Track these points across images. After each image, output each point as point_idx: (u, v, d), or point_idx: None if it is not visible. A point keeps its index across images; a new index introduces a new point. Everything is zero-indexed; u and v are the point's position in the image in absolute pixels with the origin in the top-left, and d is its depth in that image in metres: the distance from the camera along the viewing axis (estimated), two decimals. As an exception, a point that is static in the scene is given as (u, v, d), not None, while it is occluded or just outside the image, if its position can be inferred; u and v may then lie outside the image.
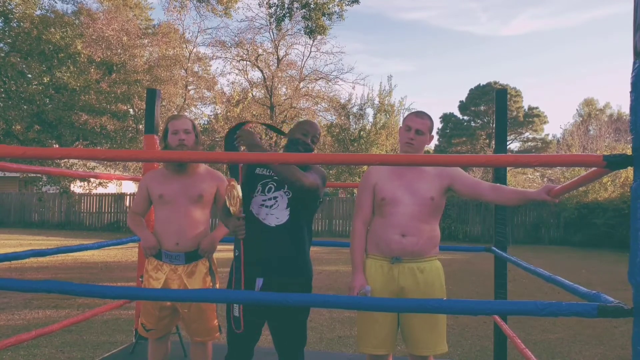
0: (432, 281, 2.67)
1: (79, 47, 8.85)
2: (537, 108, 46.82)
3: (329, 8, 11.66)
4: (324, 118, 27.03)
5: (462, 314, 1.77)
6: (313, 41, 15.71)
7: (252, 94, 26.00)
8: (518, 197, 2.53)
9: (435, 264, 2.73)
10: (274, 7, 11.94)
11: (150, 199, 3.16)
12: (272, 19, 12.41)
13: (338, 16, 11.83)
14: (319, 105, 26.95)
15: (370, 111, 26.61)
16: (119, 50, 19.45)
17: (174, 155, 2.62)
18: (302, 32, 13.18)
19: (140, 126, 17.21)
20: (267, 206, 2.75)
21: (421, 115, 2.77)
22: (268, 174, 2.81)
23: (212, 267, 3.17)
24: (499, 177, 3.78)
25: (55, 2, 8.01)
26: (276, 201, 2.75)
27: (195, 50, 24.23)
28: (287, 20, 12.21)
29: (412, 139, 2.71)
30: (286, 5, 11.81)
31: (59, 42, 8.41)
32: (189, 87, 23.91)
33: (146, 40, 21.33)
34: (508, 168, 6.70)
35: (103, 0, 23.55)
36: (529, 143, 47.10)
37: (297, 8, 11.94)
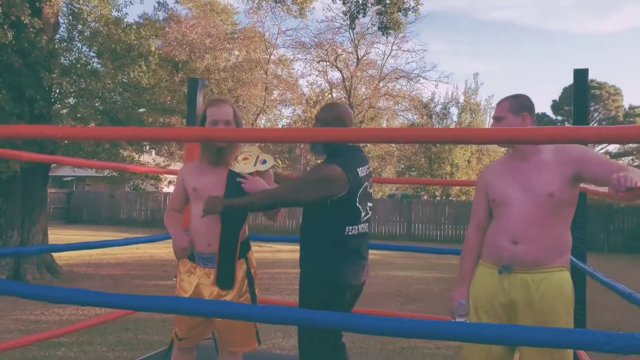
0: (551, 297, 2.19)
1: (152, 47, 9.01)
2: (638, 107, 43.64)
3: (404, 2, 11.21)
4: (405, 118, 26.42)
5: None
6: (387, 37, 15.24)
7: (331, 94, 25.86)
8: None
9: (558, 277, 2.23)
10: (348, 4, 11.65)
11: (187, 194, 2.90)
12: (346, 16, 12.09)
13: (413, 11, 11.33)
14: (399, 105, 26.36)
15: (454, 110, 25.66)
16: (204, 54, 20.07)
17: (216, 133, 2.32)
18: (377, 28, 12.77)
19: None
20: None
21: (499, 102, 2.42)
22: None
23: (250, 269, 2.81)
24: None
25: (130, 3, 8.23)
26: None
27: (275, 52, 24.44)
28: (361, 16, 11.87)
29: None
30: (360, 1, 11.49)
31: (133, 42, 8.61)
32: (273, 90, 24.11)
33: (228, 45, 21.75)
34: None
35: (192, 6, 24.41)
36: (630, 145, 43.85)
37: (371, 4, 11.58)
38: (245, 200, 2.59)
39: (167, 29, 20.39)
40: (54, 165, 24.61)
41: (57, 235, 14.10)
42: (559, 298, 2.21)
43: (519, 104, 2.36)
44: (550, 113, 46.98)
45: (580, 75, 3.43)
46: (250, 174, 2.69)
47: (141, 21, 21.52)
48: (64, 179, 30.95)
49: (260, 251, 12.56)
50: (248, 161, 2.73)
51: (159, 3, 31.81)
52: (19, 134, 1.98)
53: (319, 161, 2.81)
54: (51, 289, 2.04)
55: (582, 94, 3.41)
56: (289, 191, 2.66)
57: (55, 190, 25.45)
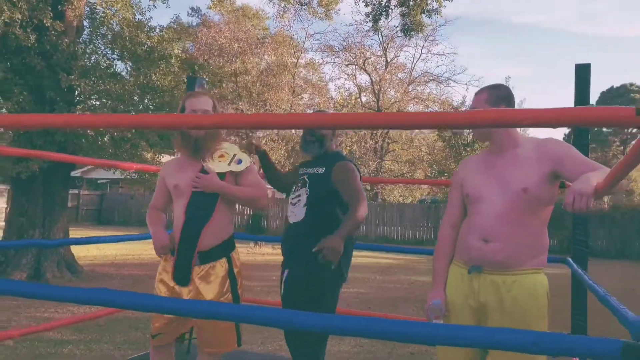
0: (523, 300, 2.08)
1: (175, 50, 9.12)
2: (681, 111, 42.09)
3: (427, 4, 11.09)
4: (434, 122, 26.08)
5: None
6: (409, 39, 15.10)
7: (359, 98, 25.76)
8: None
9: (532, 279, 2.12)
10: (370, 6, 11.59)
11: (169, 192, 2.89)
12: (368, 18, 12.04)
13: (436, 12, 11.20)
14: (429, 109, 26.10)
15: (485, 114, 25.18)
16: (233, 58, 20.30)
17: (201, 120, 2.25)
18: (400, 30, 12.70)
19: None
20: (292, 204, 2.94)
21: (477, 92, 2.33)
22: (303, 172, 3.00)
23: (233, 269, 2.75)
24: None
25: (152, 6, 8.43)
26: (299, 199, 2.89)
27: (304, 55, 24.51)
28: (383, 18, 11.80)
29: None
30: (383, 4, 11.43)
31: (155, 45, 8.74)
32: (302, 94, 24.17)
33: (257, 49, 21.92)
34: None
35: (224, 12, 24.72)
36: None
37: (394, 6, 11.49)
38: (346, 232, 2.67)
39: (198, 34, 20.72)
40: (87, 167, 25.21)
41: (84, 235, 14.38)
42: (531, 302, 2.09)
43: (497, 95, 2.24)
44: (587, 117, 45.88)
45: (582, 70, 3.27)
46: (224, 174, 2.64)
47: (174, 26, 21.86)
48: (99, 181, 31.62)
49: (279, 253, 12.55)
50: (223, 159, 2.67)
51: (192, 9, 32.37)
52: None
53: (340, 163, 2.91)
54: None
55: (583, 90, 3.25)
56: (360, 205, 2.75)
57: (88, 192, 26.04)
